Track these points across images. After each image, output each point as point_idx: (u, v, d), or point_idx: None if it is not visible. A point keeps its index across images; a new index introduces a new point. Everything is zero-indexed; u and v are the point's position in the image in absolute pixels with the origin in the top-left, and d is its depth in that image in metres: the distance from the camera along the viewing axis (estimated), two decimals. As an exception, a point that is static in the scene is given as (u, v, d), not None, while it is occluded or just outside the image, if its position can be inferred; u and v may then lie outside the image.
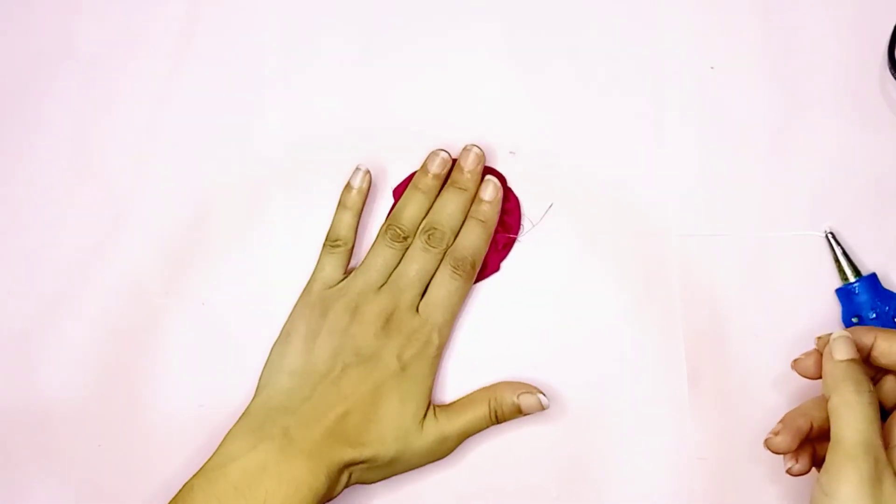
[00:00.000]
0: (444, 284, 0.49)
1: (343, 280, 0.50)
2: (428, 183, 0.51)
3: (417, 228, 0.50)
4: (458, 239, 0.50)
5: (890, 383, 0.45)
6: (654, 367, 0.51)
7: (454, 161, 0.52)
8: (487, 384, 0.51)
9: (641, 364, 0.51)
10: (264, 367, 0.49)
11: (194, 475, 0.45)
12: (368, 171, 0.52)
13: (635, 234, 0.52)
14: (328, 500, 0.46)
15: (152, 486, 0.51)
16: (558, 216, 0.52)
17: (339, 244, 0.51)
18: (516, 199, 0.52)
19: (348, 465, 0.46)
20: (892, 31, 0.52)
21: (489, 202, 0.51)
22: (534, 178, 0.53)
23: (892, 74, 0.52)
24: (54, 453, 0.52)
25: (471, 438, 0.50)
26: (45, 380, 0.53)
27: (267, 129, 0.55)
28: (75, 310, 0.53)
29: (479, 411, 0.49)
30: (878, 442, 0.41)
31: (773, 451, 0.45)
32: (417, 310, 0.49)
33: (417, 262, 0.50)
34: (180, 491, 0.45)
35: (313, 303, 0.50)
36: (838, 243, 0.51)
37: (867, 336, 0.45)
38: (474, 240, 0.50)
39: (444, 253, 0.50)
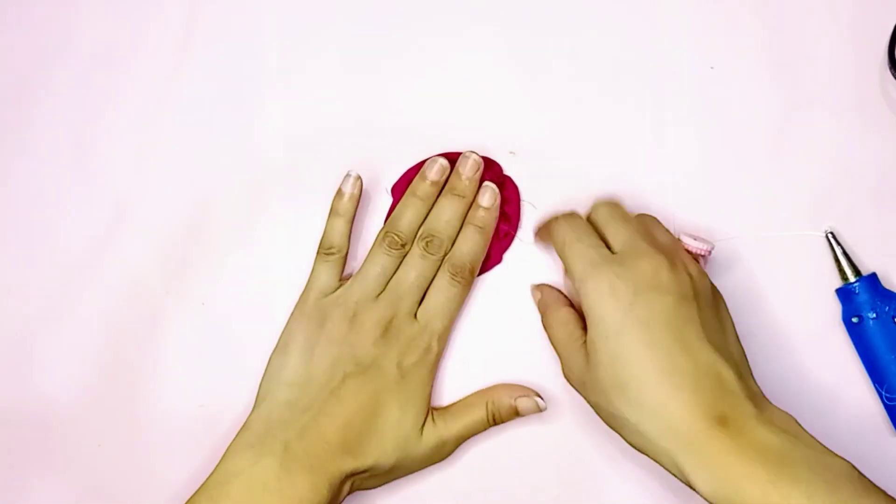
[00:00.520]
0: (443, 291, 0.49)
1: (339, 288, 0.50)
2: (426, 189, 0.51)
3: (415, 235, 0.50)
4: (455, 245, 0.50)
5: None
6: (654, 367, 0.51)
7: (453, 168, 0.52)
8: (486, 385, 0.51)
9: (641, 364, 0.51)
10: (263, 379, 0.49)
11: (195, 492, 0.45)
12: (359, 177, 0.51)
13: (635, 234, 0.52)
14: None
15: (152, 486, 0.51)
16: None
17: (333, 251, 0.50)
18: (515, 187, 0.52)
19: (350, 475, 0.46)
20: (892, 31, 0.52)
21: (487, 208, 0.51)
22: (534, 177, 0.53)
23: (893, 74, 0.52)
24: (54, 453, 0.52)
25: (471, 438, 0.50)
26: (45, 380, 0.53)
27: (267, 129, 0.55)
28: (75, 310, 0.53)
29: (477, 415, 0.49)
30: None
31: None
32: (416, 316, 0.49)
33: (416, 269, 0.49)
34: None
35: (310, 312, 0.49)
36: (838, 243, 0.51)
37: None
38: (472, 246, 0.50)
39: (443, 260, 0.50)
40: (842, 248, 0.51)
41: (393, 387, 0.48)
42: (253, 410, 0.48)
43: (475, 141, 0.53)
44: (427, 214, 0.51)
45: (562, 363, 0.48)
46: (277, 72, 0.55)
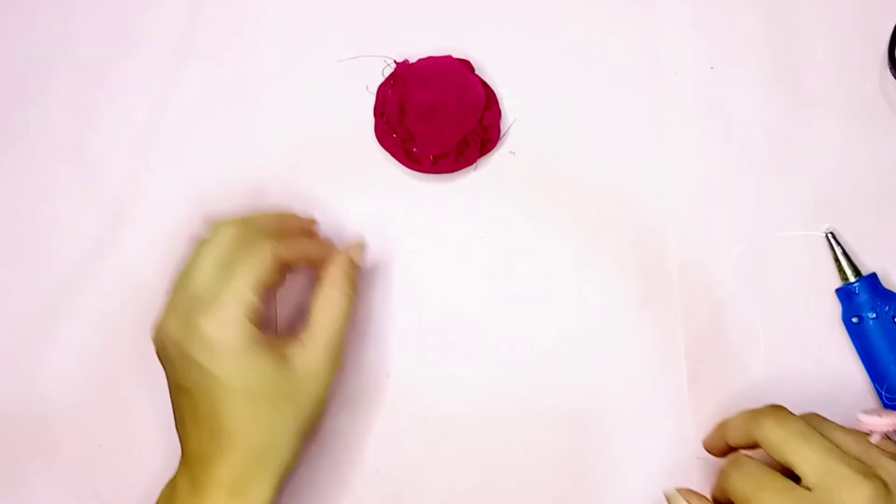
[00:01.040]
0: None
1: None
2: None
3: None
4: None
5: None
6: (654, 367, 0.51)
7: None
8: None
9: (641, 364, 0.51)
10: None
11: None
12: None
13: (635, 234, 0.52)
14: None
15: (152, 486, 0.51)
16: (559, 216, 0.52)
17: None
18: (499, 110, 0.53)
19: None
20: (892, 31, 0.52)
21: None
22: (534, 177, 0.53)
23: (893, 74, 0.52)
24: (54, 453, 0.52)
25: (470, 439, 0.50)
26: (44, 380, 0.53)
27: (267, 130, 0.55)
28: (75, 310, 0.53)
29: (338, 298, 0.46)
30: None
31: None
32: None
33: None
34: None
35: None
36: (838, 243, 0.51)
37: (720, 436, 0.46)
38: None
39: None
40: (842, 248, 0.51)
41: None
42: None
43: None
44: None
45: None
46: (277, 72, 0.55)
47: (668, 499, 0.46)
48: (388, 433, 0.51)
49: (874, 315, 0.50)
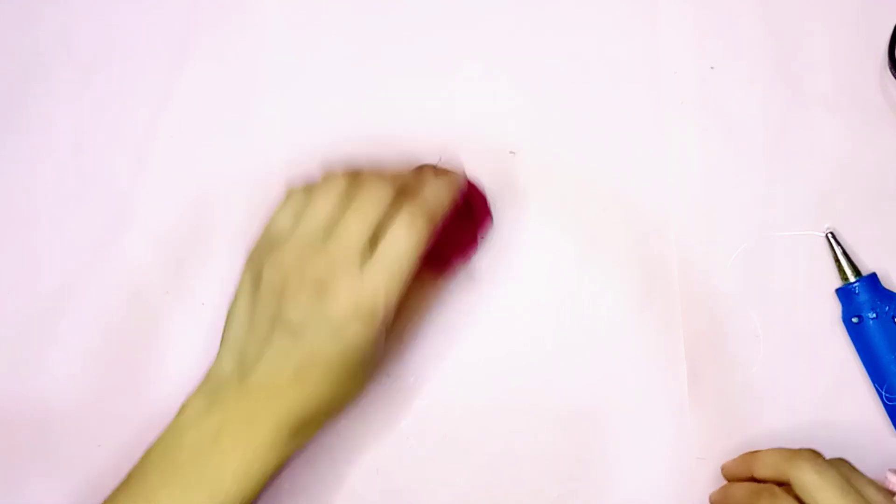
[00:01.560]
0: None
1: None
2: None
3: None
4: None
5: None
6: (654, 367, 0.51)
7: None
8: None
9: (641, 364, 0.51)
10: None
11: (150, 446, 0.44)
12: None
13: (635, 233, 0.52)
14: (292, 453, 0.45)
15: (152, 486, 0.51)
16: (558, 216, 0.52)
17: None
18: (480, 193, 0.51)
19: (306, 416, 0.44)
20: (892, 31, 0.52)
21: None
22: (534, 177, 0.53)
23: (893, 74, 0.52)
24: (54, 453, 0.52)
25: (470, 439, 0.50)
26: (44, 380, 0.53)
27: (267, 130, 0.55)
28: (75, 310, 0.53)
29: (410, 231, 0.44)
30: None
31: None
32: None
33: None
34: (138, 462, 0.44)
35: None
36: (838, 243, 0.51)
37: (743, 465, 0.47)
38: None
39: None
40: (842, 248, 0.51)
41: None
42: (213, 361, 0.46)
43: (475, 141, 0.53)
44: None
45: None
46: (278, 72, 0.55)
47: None
48: (388, 433, 0.51)
49: (874, 315, 0.50)
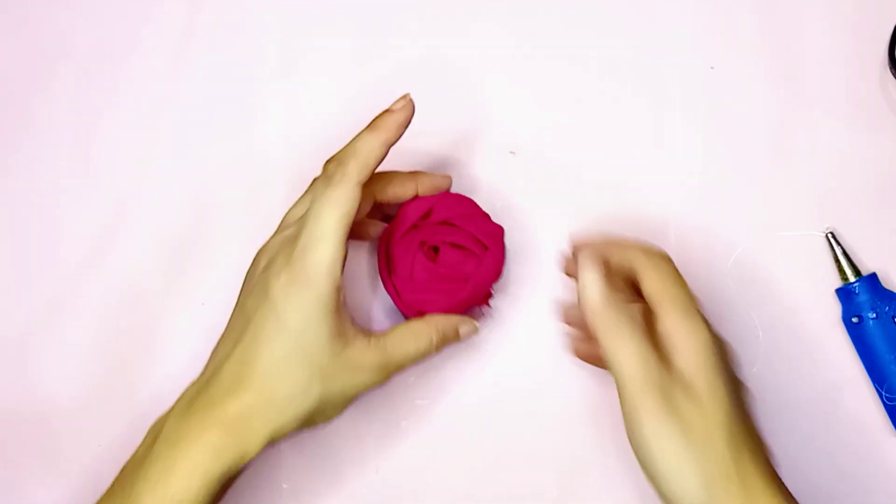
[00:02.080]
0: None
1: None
2: None
3: None
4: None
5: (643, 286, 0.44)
6: (654, 367, 0.51)
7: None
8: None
9: (641, 364, 0.51)
10: None
11: (128, 460, 0.44)
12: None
13: (635, 233, 0.52)
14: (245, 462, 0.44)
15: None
16: (559, 216, 0.52)
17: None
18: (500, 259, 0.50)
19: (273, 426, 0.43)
20: (892, 31, 0.52)
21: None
22: (534, 178, 0.53)
23: (893, 74, 0.52)
24: (54, 453, 0.52)
25: (471, 438, 0.50)
26: (45, 380, 0.53)
27: (267, 129, 0.55)
28: (75, 310, 0.53)
29: (423, 342, 0.47)
30: (658, 372, 0.41)
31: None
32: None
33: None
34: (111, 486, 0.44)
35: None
36: (838, 243, 0.51)
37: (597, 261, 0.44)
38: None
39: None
40: (842, 248, 0.51)
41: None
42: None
43: (475, 140, 0.53)
44: None
45: None
46: (277, 72, 0.55)
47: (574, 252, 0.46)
48: (388, 433, 0.51)
49: (874, 315, 0.50)
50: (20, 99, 0.56)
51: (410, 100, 0.47)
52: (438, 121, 0.54)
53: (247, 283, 0.47)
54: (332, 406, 0.45)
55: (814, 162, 0.52)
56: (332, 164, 0.45)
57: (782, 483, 0.41)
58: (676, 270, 0.45)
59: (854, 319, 0.50)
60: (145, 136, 0.55)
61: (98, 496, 0.44)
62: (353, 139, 0.46)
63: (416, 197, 0.49)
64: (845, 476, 0.49)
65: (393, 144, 0.46)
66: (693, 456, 0.40)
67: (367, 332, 0.46)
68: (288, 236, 0.46)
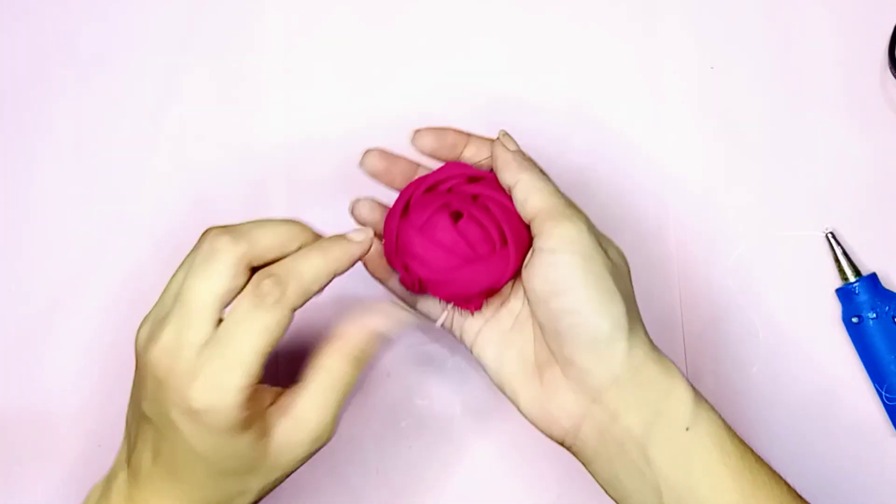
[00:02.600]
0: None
1: None
2: None
3: None
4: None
5: None
6: (654, 367, 0.51)
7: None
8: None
9: (641, 364, 0.51)
10: None
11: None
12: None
13: (635, 233, 0.52)
14: None
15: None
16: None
17: None
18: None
19: None
20: (892, 31, 0.52)
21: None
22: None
23: (893, 74, 0.52)
24: (54, 453, 0.52)
25: (471, 438, 0.50)
26: (45, 380, 0.53)
27: (267, 129, 0.55)
28: (75, 310, 0.53)
29: (345, 375, 0.41)
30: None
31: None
32: None
33: None
34: None
35: None
36: (838, 243, 0.51)
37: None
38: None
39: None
40: (842, 248, 0.51)
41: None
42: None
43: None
44: None
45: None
46: (277, 71, 0.55)
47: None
48: (388, 433, 0.51)
49: (874, 315, 0.50)
50: (22, 99, 0.56)
51: (371, 236, 0.41)
52: (438, 121, 0.54)
53: (138, 368, 0.40)
54: (283, 477, 0.42)
55: (814, 162, 0.52)
56: (269, 282, 0.38)
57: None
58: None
59: (854, 319, 0.50)
60: (145, 136, 0.55)
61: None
62: (297, 256, 0.39)
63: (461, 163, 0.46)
64: (845, 476, 0.49)
65: (339, 275, 0.40)
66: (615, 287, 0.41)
67: (263, 427, 0.40)
68: (185, 329, 0.39)
